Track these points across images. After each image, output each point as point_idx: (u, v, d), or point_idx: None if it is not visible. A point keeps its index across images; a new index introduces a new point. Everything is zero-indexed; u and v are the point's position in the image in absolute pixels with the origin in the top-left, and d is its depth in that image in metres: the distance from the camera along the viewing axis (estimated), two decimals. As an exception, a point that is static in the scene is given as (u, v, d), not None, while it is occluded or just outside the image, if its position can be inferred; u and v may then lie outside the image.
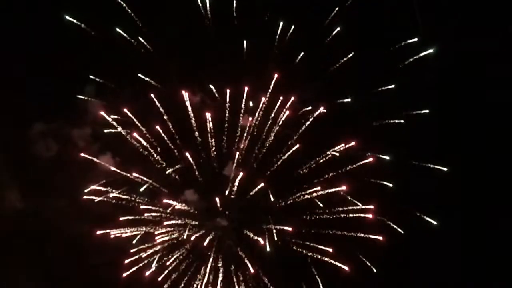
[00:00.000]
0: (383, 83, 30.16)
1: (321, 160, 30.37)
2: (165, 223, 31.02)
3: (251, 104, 30.61)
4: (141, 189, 30.63)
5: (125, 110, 30.41)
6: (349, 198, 30.10)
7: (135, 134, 30.57)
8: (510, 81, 30.66)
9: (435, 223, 29.86)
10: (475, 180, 31.05)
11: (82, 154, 30.94)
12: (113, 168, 30.86)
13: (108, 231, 30.36)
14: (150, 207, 30.83)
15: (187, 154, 30.31)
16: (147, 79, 30.53)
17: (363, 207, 29.96)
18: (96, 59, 30.57)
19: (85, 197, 30.50)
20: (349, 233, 30.26)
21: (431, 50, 29.60)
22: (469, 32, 30.81)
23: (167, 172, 30.95)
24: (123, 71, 30.37)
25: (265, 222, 30.82)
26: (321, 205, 30.24)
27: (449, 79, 30.85)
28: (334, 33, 30.02)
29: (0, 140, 31.53)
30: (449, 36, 30.18)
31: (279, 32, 30.26)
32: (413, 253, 30.87)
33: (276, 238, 30.42)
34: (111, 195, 30.63)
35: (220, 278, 31.01)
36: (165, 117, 30.36)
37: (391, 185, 30.02)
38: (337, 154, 30.23)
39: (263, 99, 30.32)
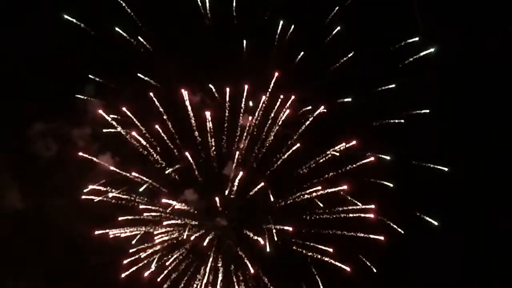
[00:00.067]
0: (383, 83, 30.17)
1: (321, 160, 30.34)
2: (165, 223, 30.98)
3: (251, 103, 30.60)
4: (141, 189, 30.62)
5: (125, 109, 30.36)
6: (349, 198, 30.06)
7: (134, 134, 30.55)
8: (510, 81, 30.68)
9: (435, 223, 29.85)
10: (475, 180, 31.01)
11: (81, 154, 30.87)
12: (112, 168, 30.82)
13: (107, 231, 30.31)
14: (149, 207, 30.76)
15: (187, 153, 30.27)
16: (146, 78, 30.53)
17: (363, 207, 29.92)
18: (96, 58, 30.56)
19: (84, 197, 30.45)
20: (349, 233, 30.21)
21: (431, 50, 29.64)
22: (469, 32, 30.86)
23: (167, 171, 30.93)
24: (122, 70, 30.43)
25: (265, 222, 30.80)
26: (321, 205, 30.19)
27: (450, 79, 30.87)
28: (334, 33, 30.06)
29: (0, 140, 31.52)
30: (449, 36, 30.23)
31: (279, 31, 30.30)
32: (414, 253, 30.82)
33: (276, 238, 30.39)
34: (111, 195, 30.59)
35: (220, 278, 30.96)
36: (164, 117, 30.34)
37: (391, 185, 29.98)
38: (337, 154, 30.21)
39: (263, 98, 30.31)
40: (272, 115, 30.32)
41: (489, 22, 30.72)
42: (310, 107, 30.34)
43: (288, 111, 30.11)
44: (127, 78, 30.60)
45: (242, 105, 30.49)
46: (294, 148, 30.14)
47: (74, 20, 29.73)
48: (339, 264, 29.75)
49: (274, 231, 30.37)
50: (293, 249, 30.66)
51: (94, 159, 30.95)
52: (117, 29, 29.99)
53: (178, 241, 31.27)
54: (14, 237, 31.37)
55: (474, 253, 31.18)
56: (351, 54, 29.98)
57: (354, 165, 30.19)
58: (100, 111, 30.59)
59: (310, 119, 30.28)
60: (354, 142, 29.75)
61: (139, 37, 30.06)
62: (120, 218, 30.51)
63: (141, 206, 30.64)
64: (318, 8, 30.53)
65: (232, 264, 31.27)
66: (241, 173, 30.23)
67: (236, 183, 30.44)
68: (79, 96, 31.30)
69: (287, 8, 30.34)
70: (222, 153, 31.10)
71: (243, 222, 31.61)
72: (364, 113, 30.55)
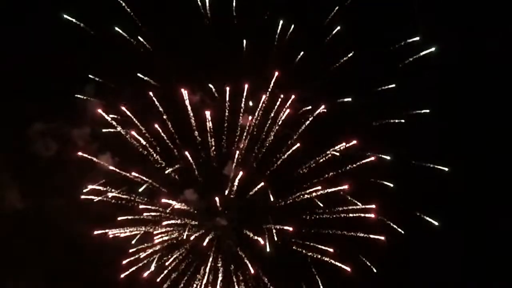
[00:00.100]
0: (383, 83, 30.16)
1: (321, 160, 30.31)
2: (165, 223, 30.95)
3: (250, 103, 30.59)
4: (141, 189, 30.61)
5: (125, 109, 30.37)
6: (350, 198, 30.05)
7: (134, 134, 30.53)
8: (510, 81, 30.69)
9: (435, 223, 29.83)
10: (475, 180, 31.05)
11: (81, 154, 30.85)
12: (112, 168, 30.82)
13: (107, 231, 30.29)
14: (149, 206, 30.74)
15: (187, 153, 30.26)
16: (146, 78, 30.55)
17: (364, 207, 29.90)
18: (96, 58, 30.61)
19: (84, 196, 30.46)
20: (349, 233, 30.20)
21: (431, 50, 29.64)
22: (469, 32, 30.88)
23: (167, 171, 30.91)
24: (122, 70, 30.39)
25: (265, 222, 30.76)
26: (322, 205, 30.16)
27: (450, 78, 30.93)
28: (334, 32, 30.06)
29: (0, 140, 31.52)
30: (449, 36, 30.24)
31: (279, 31, 30.29)
32: (414, 253, 30.86)
33: (276, 238, 30.35)
34: (110, 194, 30.58)
35: (220, 278, 30.93)
36: (164, 117, 30.34)
37: (391, 185, 29.97)
38: (338, 153, 30.18)
39: (263, 98, 30.29)
40: (272, 115, 30.32)
41: (489, 22, 30.76)
42: (310, 107, 30.33)
43: (288, 111, 30.12)
44: (127, 78, 30.62)
45: (242, 105, 30.50)
46: (294, 148, 30.11)
47: (74, 20, 29.79)
48: (339, 264, 29.73)
49: (274, 231, 30.35)
50: (293, 249, 30.66)
51: (94, 159, 30.97)
52: (117, 29, 30.02)
53: (178, 241, 31.26)
54: (14, 237, 31.45)
55: (474, 253, 31.20)
56: (351, 54, 29.99)
57: (354, 165, 30.16)
58: (100, 111, 30.60)
59: (310, 119, 30.27)
60: (354, 142, 29.71)
61: (139, 37, 30.12)
62: (119, 218, 30.50)
63: (140, 206, 30.64)
64: (318, 8, 30.56)
65: (232, 264, 31.25)
66: (241, 173, 30.21)
67: (236, 183, 30.42)
68: (79, 96, 31.36)
69: (287, 8, 30.39)
70: (222, 153, 31.10)
71: (243, 222, 31.59)
72: (364, 113, 30.54)
